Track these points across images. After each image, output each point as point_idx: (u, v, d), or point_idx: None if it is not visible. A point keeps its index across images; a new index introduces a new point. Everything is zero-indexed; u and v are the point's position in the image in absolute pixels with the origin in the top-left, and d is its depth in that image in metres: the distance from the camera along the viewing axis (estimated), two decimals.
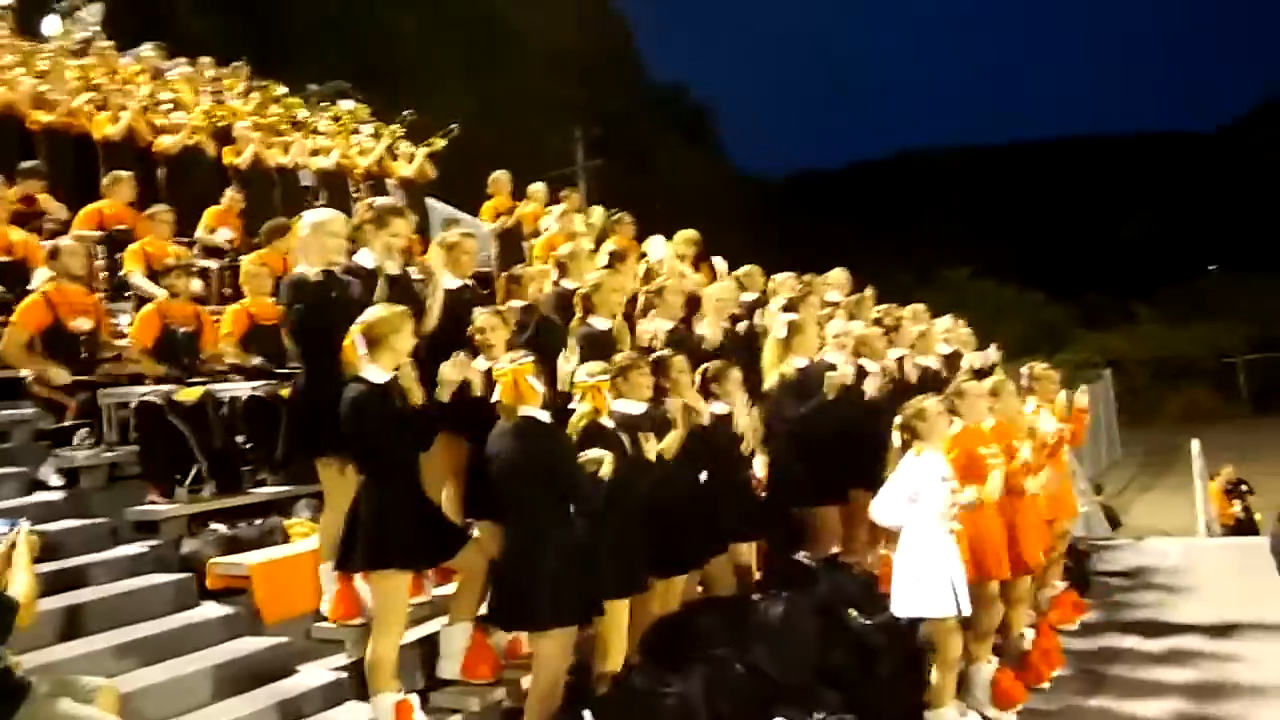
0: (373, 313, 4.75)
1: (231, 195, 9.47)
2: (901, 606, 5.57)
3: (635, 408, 5.27)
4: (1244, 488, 15.47)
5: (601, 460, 4.68)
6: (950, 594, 5.42)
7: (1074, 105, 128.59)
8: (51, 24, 13.18)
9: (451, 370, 4.81)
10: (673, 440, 5.29)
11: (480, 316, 5.48)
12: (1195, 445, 14.61)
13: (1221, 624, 7.54)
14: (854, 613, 6.03)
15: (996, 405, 6.49)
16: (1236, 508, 15.18)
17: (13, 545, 3.72)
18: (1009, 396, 6.67)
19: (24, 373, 6.28)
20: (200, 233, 9.05)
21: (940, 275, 42.62)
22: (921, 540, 5.48)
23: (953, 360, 8.71)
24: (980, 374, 8.00)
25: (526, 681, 5.15)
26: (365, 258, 5.44)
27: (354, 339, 4.66)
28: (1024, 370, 7.70)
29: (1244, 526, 14.74)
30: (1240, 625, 7.41)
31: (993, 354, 9.32)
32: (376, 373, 4.65)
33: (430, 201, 12.52)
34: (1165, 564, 9.85)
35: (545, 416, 4.79)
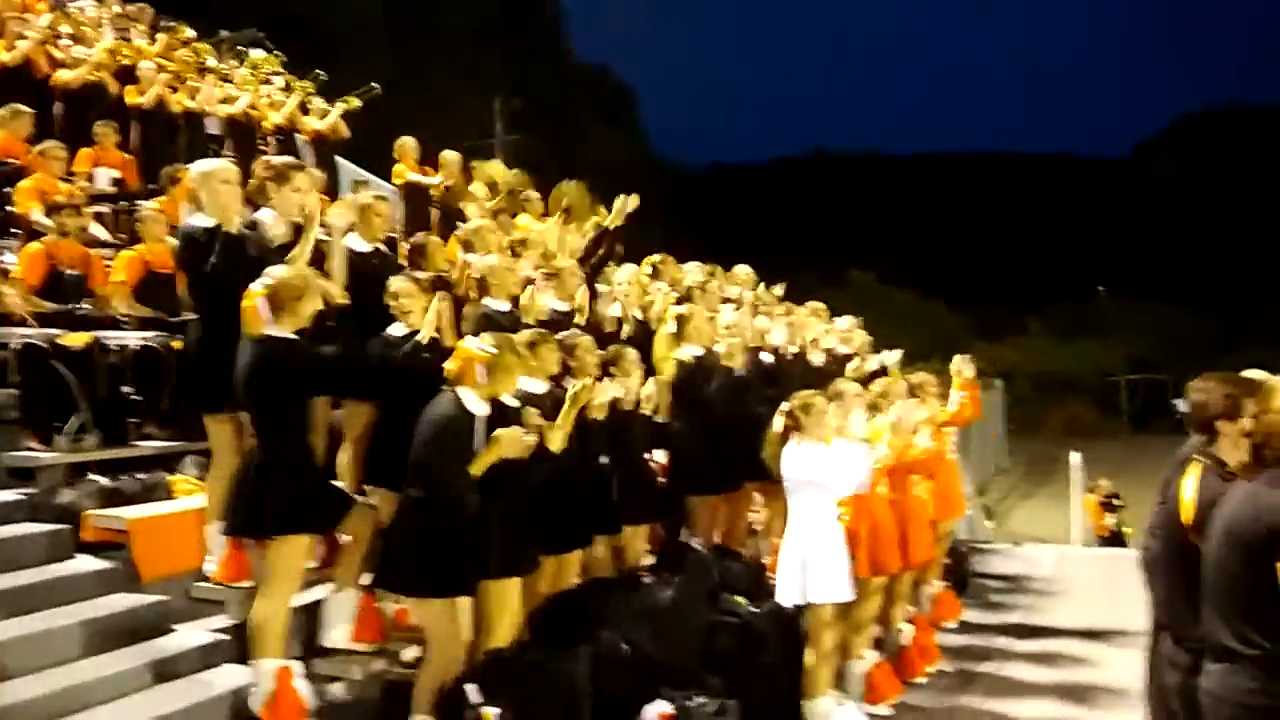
0: (278, 274, 4.61)
1: (99, 130, 8.97)
2: (786, 593, 5.68)
3: (538, 386, 5.26)
4: (1118, 501, 16.17)
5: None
6: (829, 581, 5.56)
7: (991, 122, 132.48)
8: None
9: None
10: (565, 418, 5.24)
11: (396, 283, 5.39)
12: (1075, 458, 15.21)
13: (1089, 629, 7.89)
14: (741, 600, 6.12)
15: (884, 406, 6.64)
16: (1110, 520, 15.87)
17: None
18: (897, 399, 6.84)
19: None
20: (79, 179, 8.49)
21: (847, 277, 43.52)
22: (807, 528, 5.61)
23: (845, 360, 8.92)
24: (872, 375, 8.20)
25: (410, 653, 5.12)
26: (266, 215, 5.26)
27: (256, 300, 4.52)
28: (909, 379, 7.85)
29: (1116, 539, 15.44)
30: (1106, 631, 7.77)
31: (892, 358, 9.54)
32: (278, 331, 4.54)
33: (340, 161, 12.23)
34: (1040, 570, 10.26)
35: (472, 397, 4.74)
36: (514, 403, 4.95)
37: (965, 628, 8.00)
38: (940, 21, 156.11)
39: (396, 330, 5.27)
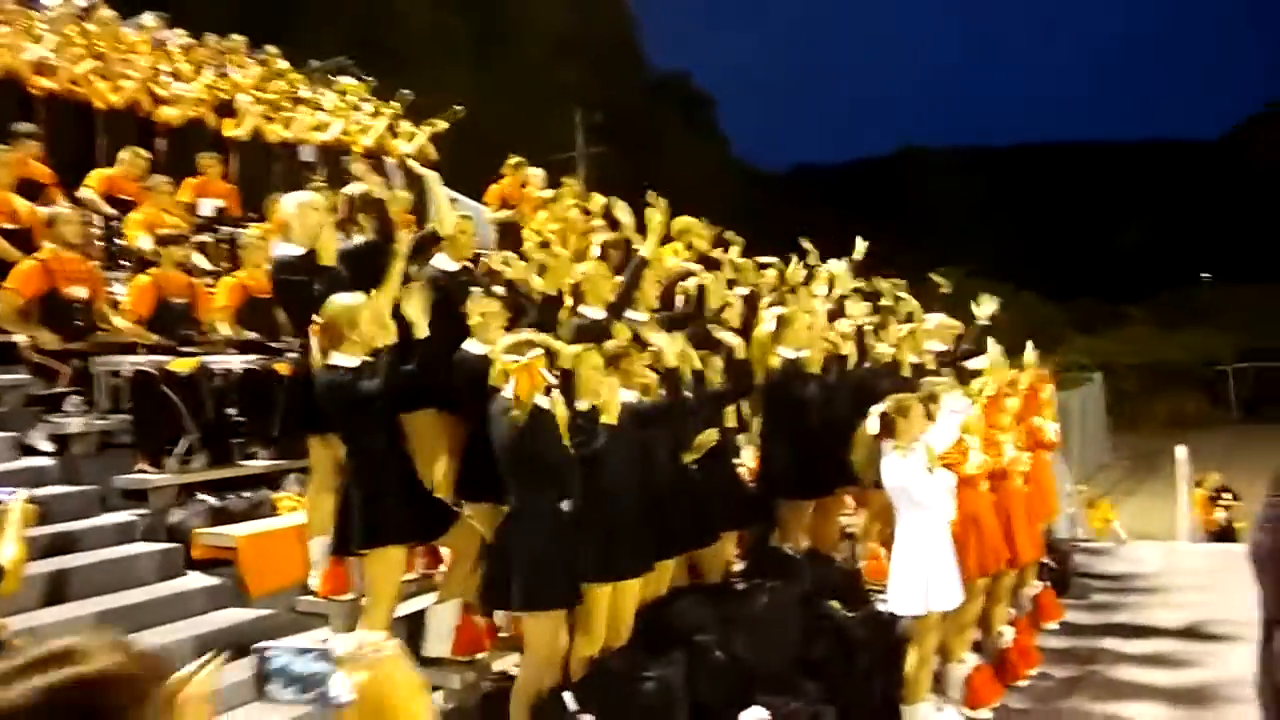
0: (328, 306, 4.72)
1: (203, 162, 9.33)
2: (906, 602, 5.57)
3: (629, 396, 5.30)
4: (1228, 495, 15.55)
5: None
6: (943, 589, 5.48)
7: (1075, 110, 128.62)
8: None
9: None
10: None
11: (475, 300, 5.49)
12: (1181, 451, 14.67)
13: (1198, 628, 7.62)
14: (836, 605, 6.08)
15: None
16: (1220, 514, 15.27)
17: (6, 512, 3.74)
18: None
19: (18, 337, 6.30)
20: (176, 210, 8.79)
21: (936, 274, 42.73)
22: (920, 534, 5.51)
23: (941, 358, 8.75)
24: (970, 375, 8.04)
25: (503, 663, 5.20)
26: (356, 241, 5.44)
27: (313, 335, 4.68)
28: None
29: (1226, 533, 14.84)
30: (1216, 630, 7.49)
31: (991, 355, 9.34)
32: (343, 359, 4.66)
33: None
34: (1146, 568, 9.94)
35: (547, 404, 4.81)
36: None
37: (1068, 629, 7.80)
38: (1022, 9, 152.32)
39: (474, 347, 5.34)
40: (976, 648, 6.46)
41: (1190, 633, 7.56)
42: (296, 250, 5.11)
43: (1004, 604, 6.83)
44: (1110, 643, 7.48)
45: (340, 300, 4.72)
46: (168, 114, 9.90)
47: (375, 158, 11.65)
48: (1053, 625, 7.73)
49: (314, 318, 4.71)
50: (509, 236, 11.05)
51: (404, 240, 5.43)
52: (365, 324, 4.67)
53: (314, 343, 4.70)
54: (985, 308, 8.70)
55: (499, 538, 4.78)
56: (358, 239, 5.45)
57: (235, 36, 12.57)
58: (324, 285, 4.95)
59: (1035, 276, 50.18)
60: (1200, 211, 62.49)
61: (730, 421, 6.60)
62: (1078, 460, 20.13)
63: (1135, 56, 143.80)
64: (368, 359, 4.66)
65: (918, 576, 5.50)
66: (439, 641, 5.20)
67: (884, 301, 8.90)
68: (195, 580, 5.25)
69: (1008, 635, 6.77)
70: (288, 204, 5.33)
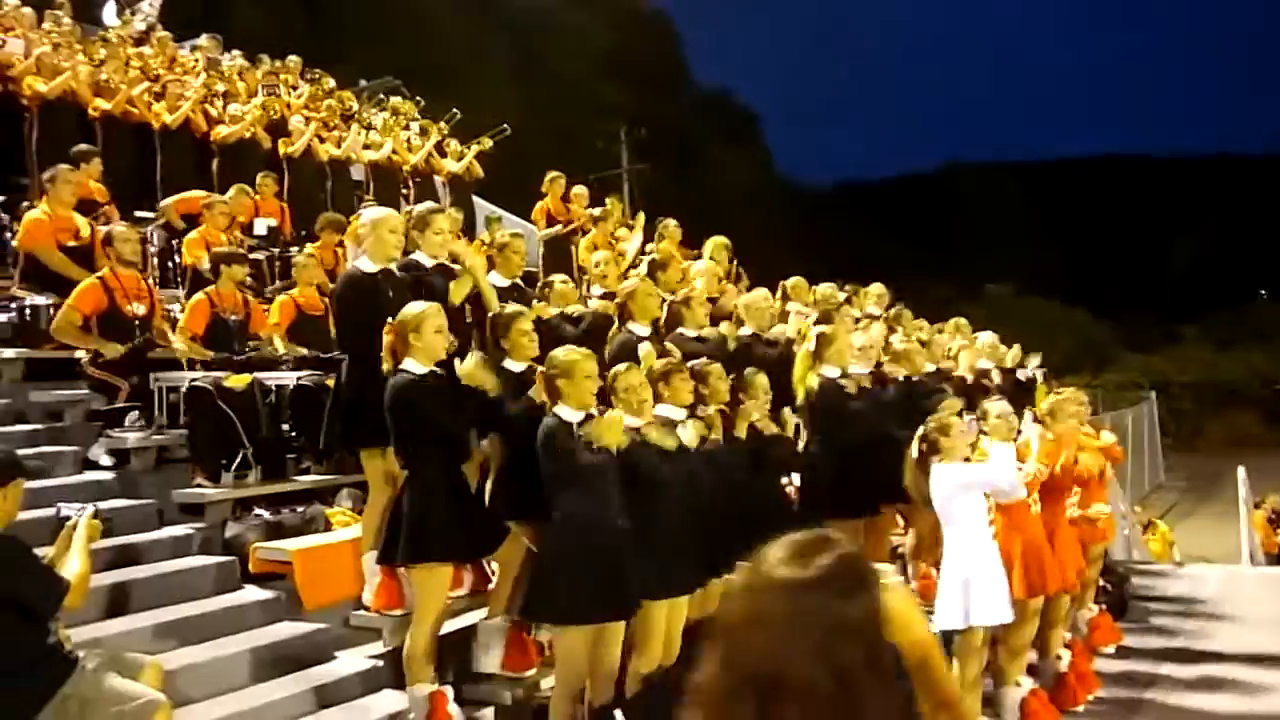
0: (404, 310, 4.82)
1: (260, 181, 9.51)
2: (948, 617, 5.51)
3: (676, 413, 5.29)
4: None
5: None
6: (988, 603, 5.40)
7: (1123, 124, 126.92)
8: (110, 13, 13.46)
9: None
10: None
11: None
12: (1241, 472, 14.38)
13: (1260, 654, 7.42)
14: None
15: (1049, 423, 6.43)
16: None
17: (73, 527, 3.82)
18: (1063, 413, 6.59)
19: (79, 354, 6.43)
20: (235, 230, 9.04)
21: (984, 290, 42.31)
22: (963, 550, 5.45)
23: (990, 376, 8.66)
24: (1023, 387, 7.95)
25: (550, 680, 5.19)
26: (420, 258, 5.51)
27: (390, 335, 4.75)
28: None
29: None
30: (1278, 656, 7.30)
31: (1032, 370, 9.23)
32: (413, 366, 4.72)
33: (476, 200, 12.63)
34: (1205, 591, 9.71)
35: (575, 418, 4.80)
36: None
37: (1126, 653, 7.63)
38: (1069, 22, 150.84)
39: (512, 365, 5.29)
40: (1032, 671, 6.34)
41: (1252, 658, 7.36)
42: (370, 266, 5.17)
43: (1061, 627, 6.70)
44: (1169, 668, 7.30)
45: (413, 308, 4.79)
46: (222, 133, 10.11)
47: (424, 176, 11.82)
48: (1110, 649, 7.57)
49: (388, 323, 4.78)
50: (557, 253, 11.14)
51: (468, 254, 5.50)
52: (430, 333, 4.72)
53: (387, 349, 4.75)
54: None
55: (543, 550, 4.78)
56: (420, 256, 5.51)
57: (292, 59, 12.80)
58: (388, 299, 5.03)
59: (1086, 293, 49.53)
60: (1257, 227, 61.26)
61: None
62: (1133, 481, 19.78)
63: (1193, 68, 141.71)
64: (434, 369, 4.69)
65: (960, 590, 5.44)
66: (488, 657, 5.21)
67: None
68: (251, 594, 5.31)
69: (1064, 659, 6.64)
70: (365, 221, 5.41)
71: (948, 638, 5.68)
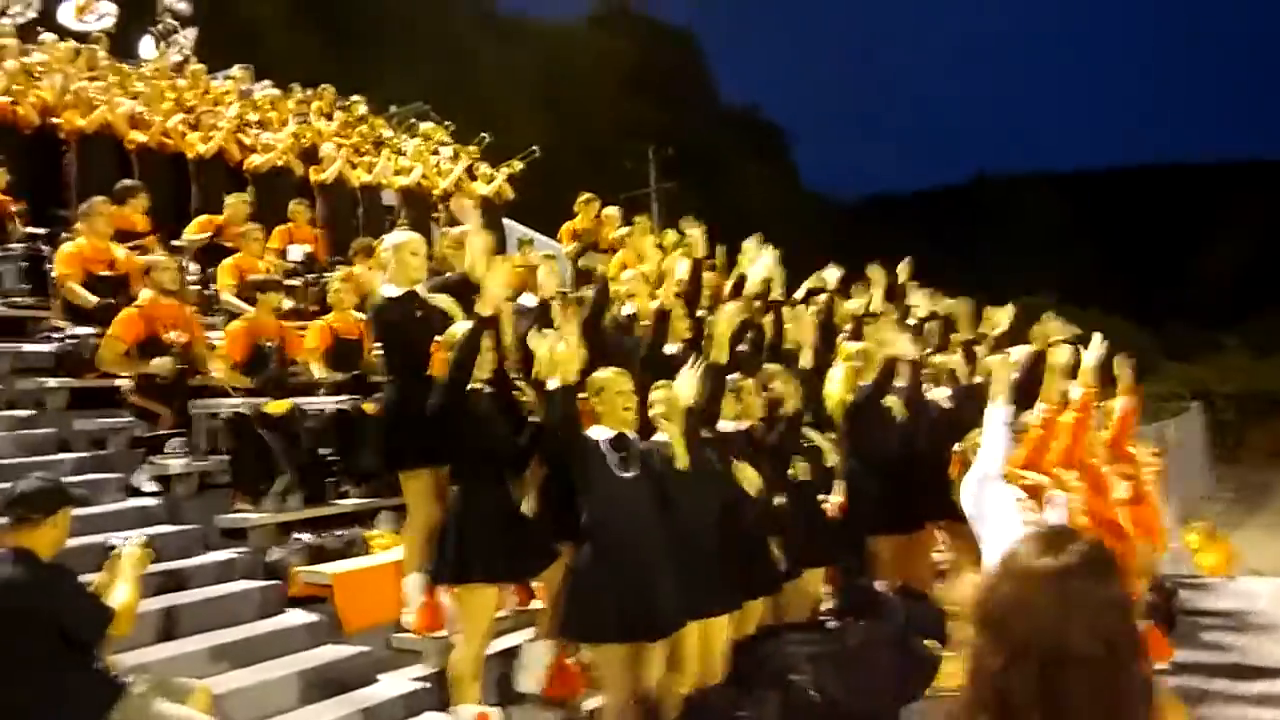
0: (453, 329, 4.86)
1: (294, 209, 9.61)
2: None
3: (735, 426, 5.28)
4: None
5: None
6: None
7: (1159, 131, 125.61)
8: (147, 46, 13.71)
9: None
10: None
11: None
12: None
13: None
14: (932, 644, 5.93)
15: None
16: None
17: (119, 556, 3.86)
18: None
19: (121, 382, 6.51)
20: (270, 255, 9.07)
21: (1020, 302, 41.90)
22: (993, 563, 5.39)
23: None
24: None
25: (593, 703, 5.16)
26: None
27: (438, 355, 4.79)
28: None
29: None
30: None
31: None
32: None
33: (507, 222, 12.70)
34: (1257, 604, 9.51)
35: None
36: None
37: (1177, 668, 7.48)
38: (1099, 30, 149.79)
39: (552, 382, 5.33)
40: None
41: None
42: (395, 291, 5.21)
43: None
44: (1221, 684, 7.15)
45: (461, 328, 4.83)
46: (255, 162, 10.24)
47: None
48: (1161, 665, 7.43)
49: (436, 339, 4.84)
50: (586, 274, 11.17)
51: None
52: (485, 347, 4.76)
53: (438, 365, 4.79)
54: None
55: (573, 569, 4.76)
56: (453, 275, 5.55)
57: (324, 87, 12.96)
58: (416, 323, 5.06)
59: (1123, 303, 48.91)
60: None
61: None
62: (1178, 493, 19.45)
63: (1227, 74, 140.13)
64: (482, 385, 4.71)
65: None
66: (531, 678, 5.20)
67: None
68: (294, 617, 5.33)
69: None
70: (387, 246, 5.46)
71: None
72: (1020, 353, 6.74)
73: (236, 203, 9.08)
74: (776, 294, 8.18)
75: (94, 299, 7.14)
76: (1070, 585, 1.49)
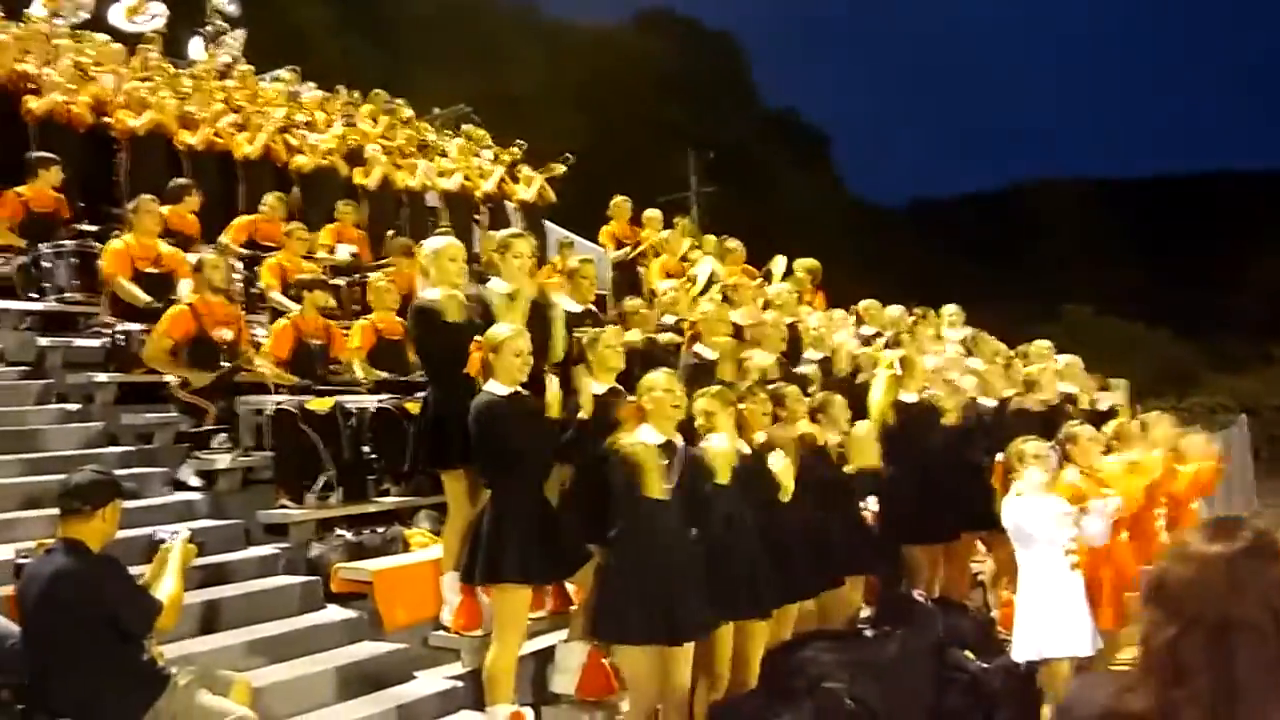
0: (490, 331, 4.90)
1: (340, 209, 9.75)
2: (1021, 648, 5.43)
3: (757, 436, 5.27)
4: None
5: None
6: (1067, 635, 5.27)
7: (1206, 139, 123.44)
8: (196, 47, 13.94)
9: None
10: (786, 471, 5.26)
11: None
12: None
13: None
14: (970, 654, 5.89)
15: (1117, 447, 6.29)
16: None
17: (169, 550, 3.93)
18: (1132, 440, 6.45)
19: (168, 378, 6.62)
20: (319, 252, 9.24)
21: (1062, 310, 41.36)
22: (1038, 580, 5.35)
23: (1075, 400, 8.45)
24: (1103, 415, 7.75)
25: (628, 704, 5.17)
26: (498, 284, 5.58)
27: (475, 355, 4.82)
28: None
29: None
30: None
31: (1116, 395, 8.99)
32: (497, 387, 4.78)
33: (548, 225, 12.77)
34: None
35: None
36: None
37: None
38: (1143, 37, 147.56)
39: (596, 386, 5.29)
40: None
41: None
42: (434, 294, 5.26)
43: None
44: None
45: (497, 330, 4.86)
46: (300, 162, 10.38)
47: (496, 203, 11.98)
48: None
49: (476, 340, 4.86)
50: (626, 277, 11.21)
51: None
52: (508, 356, 4.79)
53: (474, 369, 4.83)
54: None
55: (604, 570, 4.78)
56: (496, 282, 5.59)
57: (378, 92, 13.11)
58: (453, 326, 5.10)
59: (1169, 313, 48.13)
60: None
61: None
62: (1224, 509, 19.12)
63: (1277, 78, 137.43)
64: (518, 390, 4.76)
65: (1035, 621, 5.35)
66: (565, 679, 5.22)
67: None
68: (334, 613, 5.39)
69: None
70: (428, 251, 5.51)
71: (1033, 668, 5.57)
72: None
73: (274, 201, 9.23)
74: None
75: (145, 296, 7.27)
76: (1239, 565, 1.63)
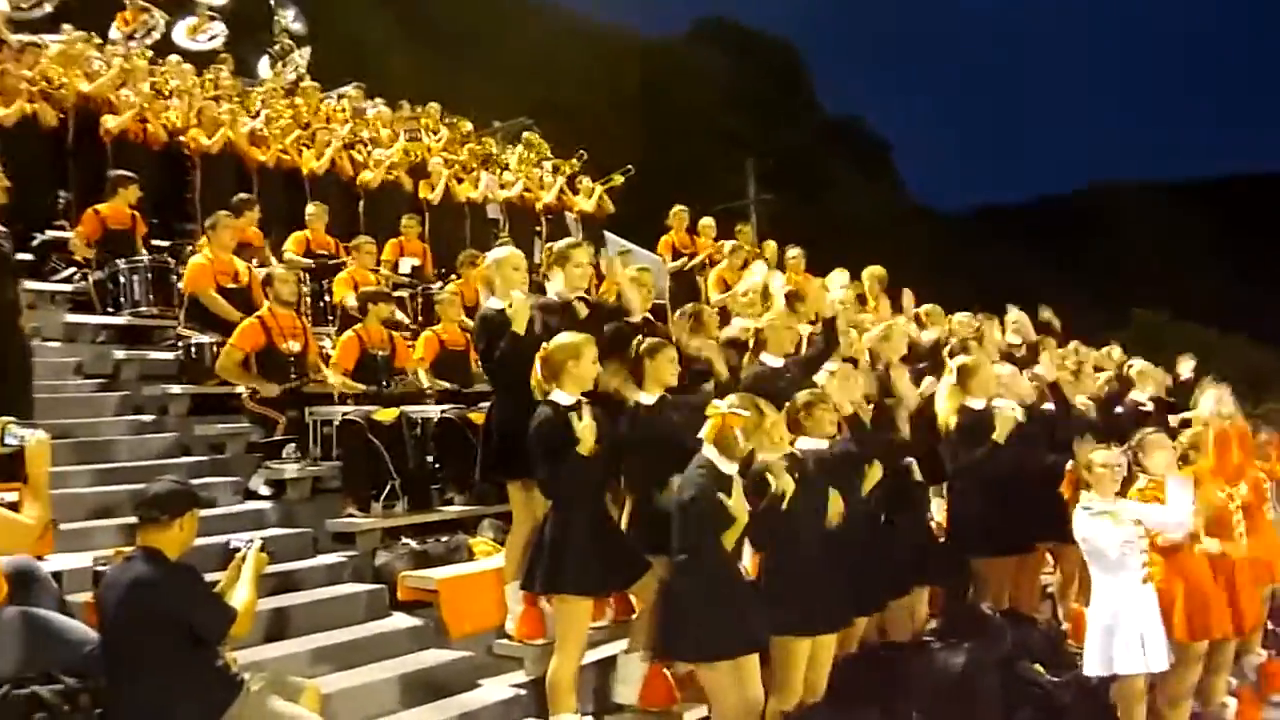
0: (554, 340, 4.91)
1: (405, 223, 9.91)
2: (1091, 663, 5.32)
3: (818, 444, 5.23)
4: None
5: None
6: (1138, 650, 5.15)
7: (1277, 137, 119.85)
8: (264, 66, 14.29)
9: None
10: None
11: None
12: None
13: None
14: (1039, 668, 5.78)
15: (1194, 457, 6.12)
16: None
17: (243, 559, 4.02)
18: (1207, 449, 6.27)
19: (240, 389, 6.77)
20: (383, 268, 9.37)
21: (1134, 315, 40.43)
22: (1110, 594, 5.24)
23: (1160, 405, 8.27)
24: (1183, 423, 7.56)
25: (697, 714, 5.16)
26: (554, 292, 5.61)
27: (537, 365, 4.84)
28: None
29: None
30: None
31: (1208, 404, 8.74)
32: (561, 396, 4.80)
33: (608, 235, 12.84)
34: None
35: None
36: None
37: None
38: (1217, 36, 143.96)
39: (645, 397, 5.30)
40: None
41: None
42: (498, 305, 5.31)
43: (1225, 673, 6.31)
44: None
45: (566, 339, 4.88)
46: (366, 177, 10.58)
47: (555, 214, 12.09)
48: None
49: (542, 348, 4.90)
50: (683, 286, 11.20)
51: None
52: (589, 360, 4.81)
53: (536, 379, 4.85)
54: (1185, 366, 8.80)
55: (674, 587, 4.74)
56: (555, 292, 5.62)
57: (432, 105, 13.31)
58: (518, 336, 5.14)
59: (1245, 319, 46.74)
60: None
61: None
62: None
63: None
64: (581, 397, 4.79)
65: (1104, 636, 5.24)
66: (627, 689, 5.22)
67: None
68: (400, 621, 5.46)
69: (1231, 708, 6.25)
70: (490, 261, 5.57)
71: (1104, 683, 5.44)
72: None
73: (317, 210, 9.48)
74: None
75: (237, 312, 7.35)
76: None
